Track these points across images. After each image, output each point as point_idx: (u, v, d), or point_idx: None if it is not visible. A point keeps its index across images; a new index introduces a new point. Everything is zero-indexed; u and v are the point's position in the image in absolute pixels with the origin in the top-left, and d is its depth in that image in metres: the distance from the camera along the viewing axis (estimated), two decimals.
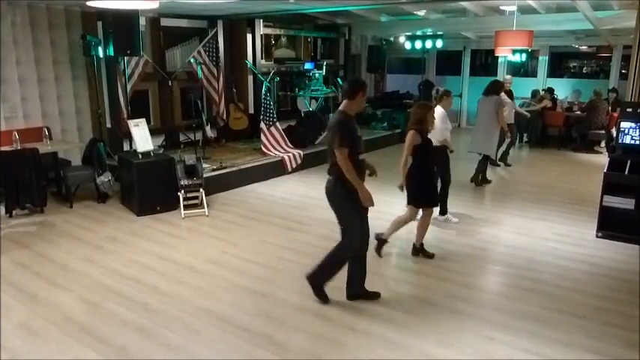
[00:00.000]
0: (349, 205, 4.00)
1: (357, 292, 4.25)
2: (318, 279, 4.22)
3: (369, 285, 4.35)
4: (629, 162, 5.63)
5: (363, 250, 4.19)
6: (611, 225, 5.66)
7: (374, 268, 4.89)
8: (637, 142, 5.66)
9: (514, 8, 8.80)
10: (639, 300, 4.25)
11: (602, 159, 9.10)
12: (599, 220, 5.75)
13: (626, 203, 5.55)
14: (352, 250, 4.11)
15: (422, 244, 5.19)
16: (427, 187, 5.06)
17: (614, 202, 5.61)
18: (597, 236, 5.72)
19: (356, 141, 3.96)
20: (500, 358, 3.45)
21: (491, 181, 8.17)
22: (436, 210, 5.65)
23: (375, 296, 4.28)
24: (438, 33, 12.22)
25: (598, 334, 3.74)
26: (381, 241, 5.21)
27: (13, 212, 6.32)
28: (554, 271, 4.90)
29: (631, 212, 5.53)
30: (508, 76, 10.53)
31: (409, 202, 5.11)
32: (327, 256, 4.19)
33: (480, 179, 7.97)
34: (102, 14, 7.49)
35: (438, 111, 5.91)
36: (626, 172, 5.60)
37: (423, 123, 4.92)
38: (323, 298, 4.21)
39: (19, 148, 6.33)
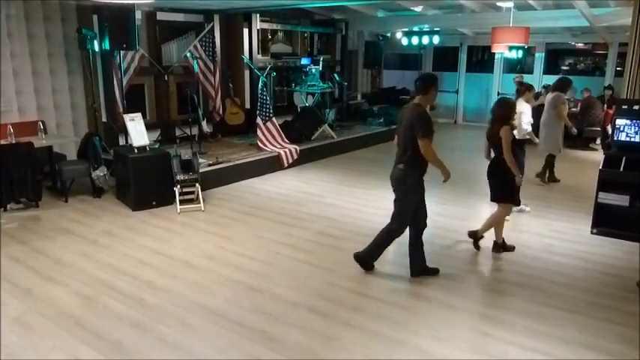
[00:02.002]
0: (416, 193, 4.38)
1: (420, 269, 4.59)
2: (367, 259, 4.61)
3: (363, 279, 4.41)
4: (624, 159, 5.65)
5: (421, 233, 4.59)
6: (606, 222, 5.69)
7: None
8: (632, 139, 5.68)
9: (511, 5, 8.79)
10: (639, 298, 4.26)
11: (598, 156, 9.14)
12: (594, 216, 5.77)
13: (621, 200, 5.57)
14: (398, 234, 4.50)
15: (503, 240, 5.22)
16: (512, 185, 5.04)
17: (609, 198, 5.63)
18: (592, 233, 5.75)
19: (433, 133, 4.31)
20: (495, 353, 3.47)
21: (559, 180, 8.03)
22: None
23: (435, 272, 4.62)
24: (435, 29, 12.22)
25: (593, 330, 3.76)
26: (474, 236, 5.28)
27: (8, 206, 6.29)
28: (549, 267, 4.92)
29: (626, 209, 5.55)
30: (518, 75, 10.45)
31: (496, 200, 5.14)
32: (377, 239, 4.55)
33: (546, 176, 7.98)
34: (97, 8, 7.45)
35: (524, 105, 6.15)
36: (621, 169, 5.62)
37: (510, 119, 4.92)
38: (370, 268, 4.64)
39: (13, 142, 6.29)
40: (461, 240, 5.50)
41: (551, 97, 7.61)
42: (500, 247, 5.19)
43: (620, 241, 5.51)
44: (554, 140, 7.61)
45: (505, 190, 5.02)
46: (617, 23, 9.09)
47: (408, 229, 4.54)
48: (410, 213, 4.42)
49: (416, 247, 4.59)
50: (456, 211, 6.43)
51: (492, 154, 5.11)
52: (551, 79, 12.75)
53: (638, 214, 5.49)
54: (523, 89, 6.90)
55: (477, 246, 5.25)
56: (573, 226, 5.98)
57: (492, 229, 5.17)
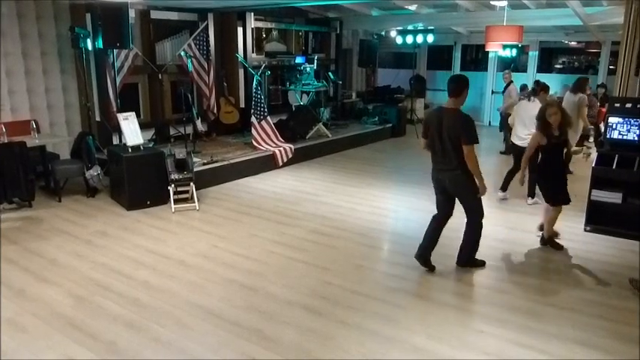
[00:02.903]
0: (475, 190, 4.48)
1: (426, 254, 4.69)
2: (467, 258, 4.74)
3: (358, 277, 4.41)
4: (616, 156, 5.68)
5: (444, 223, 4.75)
6: (599, 219, 5.72)
7: (366, 263, 4.92)
8: (624, 137, 5.71)
9: (504, 4, 8.83)
10: (638, 296, 4.27)
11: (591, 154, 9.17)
12: (587, 214, 5.80)
13: (614, 197, 5.60)
14: (482, 219, 4.64)
15: (550, 237, 5.31)
16: (560, 186, 5.11)
17: (602, 196, 5.66)
18: (585, 230, 5.78)
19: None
20: (489, 350, 3.48)
21: (572, 172, 8.24)
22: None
23: (432, 269, 4.70)
24: (429, 28, 12.22)
25: (586, 327, 3.78)
26: (545, 241, 5.34)
27: (1, 206, 6.25)
28: (542, 264, 4.95)
29: (618, 206, 5.58)
30: (507, 71, 10.56)
31: (547, 201, 5.19)
32: (466, 238, 4.71)
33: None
34: (90, 6, 7.40)
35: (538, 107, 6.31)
36: (614, 167, 5.65)
37: (543, 124, 4.99)
38: (480, 263, 4.80)
39: (6, 141, 6.25)
40: (453, 238, 5.51)
41: (575, 98, 7.78)
42: (547, 242, 5.33)
43: (613, 239, 5.55)
44: (575, 140, 7.78)
45: (555, 192, 5.12)
46: (609, 22, 9.14)
47: (437, 215, 4.73)
48: (480, 201, 4.57)
49: (434, 234, 4.70)
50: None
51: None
52: (544, 78, 12.82)
53: (630, 211, 5.52)
54: (538, 89, 6.94)
55: (558, 246, 5.29)
56: (566, 224, 5.99)
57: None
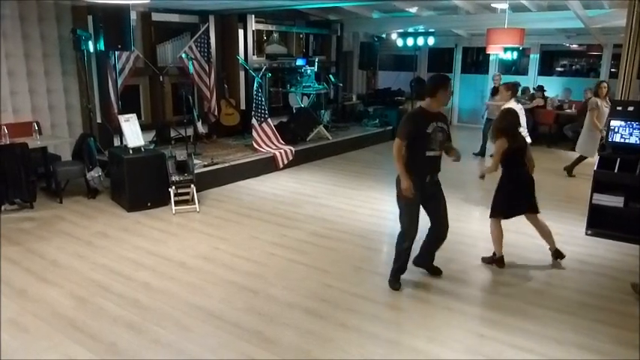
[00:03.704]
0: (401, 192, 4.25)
1: (424, 262, 4.65)
2: (391, 274, 4.48)
3: (358, 280, 4.40)
4: (618, 160, 5.67)
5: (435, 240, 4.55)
6: (600, 223, 5.71)
7: (366, 265, 4.92)
8: (626, 141, 5.70)
9: (505, 6, 8.83)
10: (639, 299, 4.26)
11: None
12: (588, 217, 5.79)
13: (616, 201, 5.59)
14: (409, 239, 4.33)
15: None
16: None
17: (604, 200, 5.65)
18: (587, 234, 5.77)
19: (421, 136, 4.11)
20: (490, 354, 3.48)
21: (574, 175, 8.42)
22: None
23: (437, 272, 4.65)
24: (430, 30, 12.23)
25: (586, 331, 3.77)
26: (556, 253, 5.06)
27: (2, 207, 6.26)
28: (543, 268, 4.94)
29: (620, 210, 5.57)
30: (497, 73, 10.58)
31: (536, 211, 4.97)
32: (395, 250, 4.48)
33: (569, 170, 8.47)
34: (92, 8, 7.43)
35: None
36: (616, 171, 5.65)
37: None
38: (395, 287, 4.40)
39: (7, 142, 6.26)
40: (452, 241, 5.50)
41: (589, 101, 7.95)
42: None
43: (614, 243, 5.54)
44: (586, 143, 7.95)
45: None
46: (611, 25, 9.13)
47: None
48: (409, 213, 4.30)
49: (428, 245, 4.61)
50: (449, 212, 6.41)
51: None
52: (545, 81, 12.84)
53: (632, 215, 5.51)
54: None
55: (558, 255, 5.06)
56: (567, 228, 5.99)
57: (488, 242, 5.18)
